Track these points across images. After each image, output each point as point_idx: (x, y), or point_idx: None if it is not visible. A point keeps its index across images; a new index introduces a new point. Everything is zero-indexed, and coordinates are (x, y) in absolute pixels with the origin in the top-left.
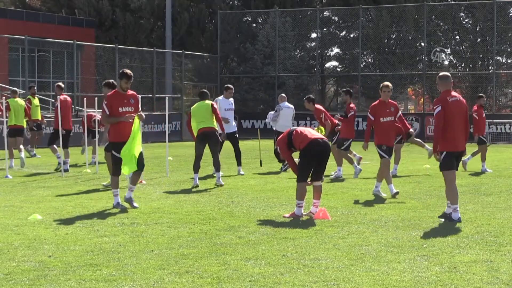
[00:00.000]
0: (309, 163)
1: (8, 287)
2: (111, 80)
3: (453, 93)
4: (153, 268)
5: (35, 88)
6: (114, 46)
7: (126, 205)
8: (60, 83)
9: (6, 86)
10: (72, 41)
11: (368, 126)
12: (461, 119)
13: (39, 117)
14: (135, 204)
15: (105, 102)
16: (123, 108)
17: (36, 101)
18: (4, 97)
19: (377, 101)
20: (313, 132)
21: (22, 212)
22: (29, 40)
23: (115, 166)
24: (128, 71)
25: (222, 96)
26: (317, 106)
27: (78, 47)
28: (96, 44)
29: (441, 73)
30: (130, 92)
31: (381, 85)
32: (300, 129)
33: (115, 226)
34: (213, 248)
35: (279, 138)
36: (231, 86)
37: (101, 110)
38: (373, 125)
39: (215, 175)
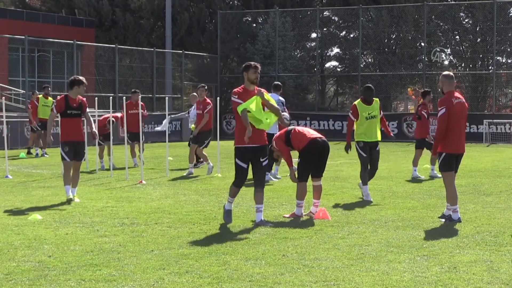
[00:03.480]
0: (308, 162)
1: (8, 287)
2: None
3: (456, 94)
4: (153, 268)
5: (50, 88)
6: (114, 46)
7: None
8: None
9: (6, 86)
10: (72, 41)
11: None
12: (463, 121)
13: (47, 116)
14: (270, 223)
15: (236, 96)
16: None
17: (47, 101)
18: (3, 97)
19: None
20: (311, 132)
21: (22, 212)
22: (29, 40)
23: (239, 176)
24: (252, 62)
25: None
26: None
27: (78, 47)
28: (96, 44)
29: (446, 72)
30: (257, 88)
31: None
32: (298, 128)
33: (115, 226)
34: (213, 248)
35: (276, 135)
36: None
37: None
38: None
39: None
